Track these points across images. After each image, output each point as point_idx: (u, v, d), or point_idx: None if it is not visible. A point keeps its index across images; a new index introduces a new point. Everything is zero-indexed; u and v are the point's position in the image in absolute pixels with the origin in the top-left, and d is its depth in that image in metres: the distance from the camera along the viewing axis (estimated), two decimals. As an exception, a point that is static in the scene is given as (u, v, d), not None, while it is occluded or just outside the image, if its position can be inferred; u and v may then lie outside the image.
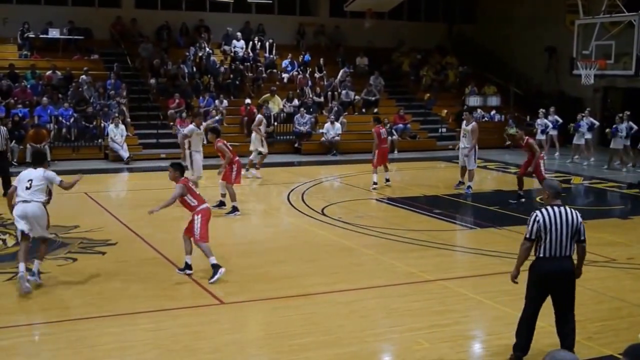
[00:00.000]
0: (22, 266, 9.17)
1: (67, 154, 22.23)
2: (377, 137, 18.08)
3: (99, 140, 23.06)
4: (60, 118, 22.85)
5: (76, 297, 9.16)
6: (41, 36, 27.12)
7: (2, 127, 16.57)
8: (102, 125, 23.16)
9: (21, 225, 9.28)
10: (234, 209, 14.35)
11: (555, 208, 7.18)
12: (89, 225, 12.98)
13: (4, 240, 11.91)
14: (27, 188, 9.37)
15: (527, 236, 7.22)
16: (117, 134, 22.15)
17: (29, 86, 24.37)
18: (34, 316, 8.62)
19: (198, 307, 8.88)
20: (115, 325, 8.16)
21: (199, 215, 10.11)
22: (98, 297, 9.17)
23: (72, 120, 22.82)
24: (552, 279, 7.24)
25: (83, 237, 12.11)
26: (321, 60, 29.65)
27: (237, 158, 14.60)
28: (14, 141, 21.02)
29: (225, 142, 14.58)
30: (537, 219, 7.11)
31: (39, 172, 9.58)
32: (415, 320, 8.46)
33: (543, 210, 7.19)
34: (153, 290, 9.49)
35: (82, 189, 17.07)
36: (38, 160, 9.95)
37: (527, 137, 15.81)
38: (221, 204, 14.72)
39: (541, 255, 7.18)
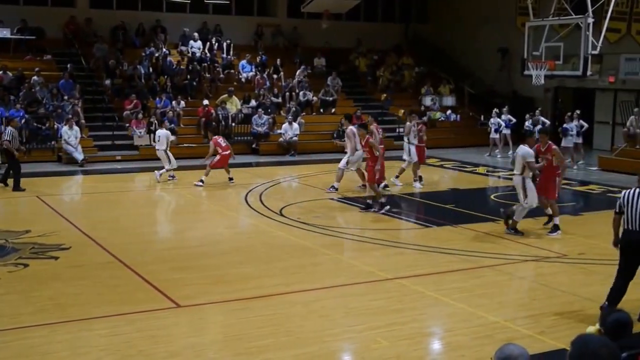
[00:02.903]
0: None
1: (19, 157, 21.74)
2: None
3: (52, 143, 22.64)
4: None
5: (28, 304, 8.94)
6: (-9, 35, 26.55)
7: (9, 127, 17.79)
8: (56, 127, 22.77)
9: None
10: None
11: (637, 189, 8.53)
12: (42, 230, 12.68)
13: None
14: None
15: (615, 210, 8.70)
16: (71, 135, 21.77)
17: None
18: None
19: (155, 311, 8.73)
20: (70, 332, 8.00)
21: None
22: (51, 303, 8.98)
23: (23, 122, 22.35)
24: (633, 248, 8.46)
25: (35, 242, 11.84)
26: (278, 61, 29.58)
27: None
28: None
29: None
30: (621, 195, 8.67)
31: None
32: (374, 318, 8.47)
33: (628, 190, 8.65)
34: (108, 295, 9.33)
35: (34, 192, 16.86)
36: None
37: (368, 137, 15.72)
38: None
39: (625, 227, 8.54)
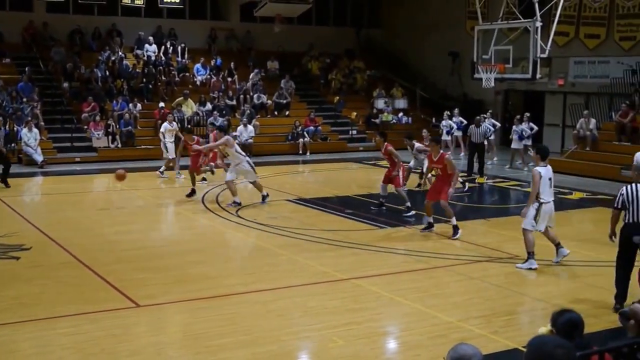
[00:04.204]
0: None
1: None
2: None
3: (12, 145, 22.54)
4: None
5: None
6: (-51, 39, 26.37)
7: None
8: (15, 129, 22.69)
9: None
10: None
11: (636, 184, 8.98)
12: (2, 231, 12.79)
13: None
14: None
15: (615, 205, 9.13)
16: (30, 137, 21.80)
17: (-64, 90, 23.64)
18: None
19: (116, 310, 8.92)
20: (33, 331, 8.14)
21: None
22: (14, 302, 9.12)
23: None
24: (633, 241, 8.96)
25: (-4, 243, 11.96)
26: (232, 64, 29.79)
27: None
28: None
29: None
30: (622, 192, 9.03)
31: None
32: (331, 318, 8.72)
33: (628, 186, 9.04)
34: (70, 295, 9.49)
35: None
36: None
37: (387, 144, 15.55)
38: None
39: (626, 221, 8.99)
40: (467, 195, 18.25)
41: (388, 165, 15.66)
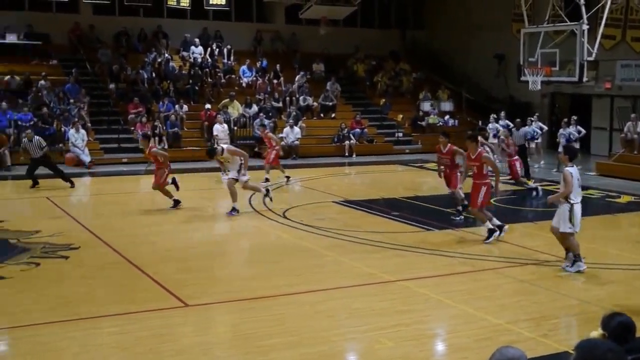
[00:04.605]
0: None
1: (27, 159, 22.01)
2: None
3: (60, 145, 22.86)
4: (20, 122, 22.61)
5: (40, 302, 9.13)
6: (-1, 41, 26.87)
7: (35, 136, 18.77)
8: (63, 129, 22.99)
9: None
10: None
11: None
12: (51, 230, 12.92)
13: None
14: None
15: None
16: (77, 138, 22.06)
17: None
18: (-4, 321, 8.60)
19: (162, 310, 8.90)
20: (80, 330, 8.15)
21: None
22: (61, 301, 9.17)
23: (31, 124, 22.60)
24: None
25: (45, 242, 12.07)
26: (278, 66, 29.82)
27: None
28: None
29: None
30: None
31: None
32: (378, 320, 8.61)
33: None
34: (116, 294, 9.52)
35: (43, 193, 17.10)
36: None
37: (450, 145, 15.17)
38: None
39: None
40: (514, 198, 17.98)
41: (441, 167, 15.40)
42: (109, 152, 23.63)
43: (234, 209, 14.94)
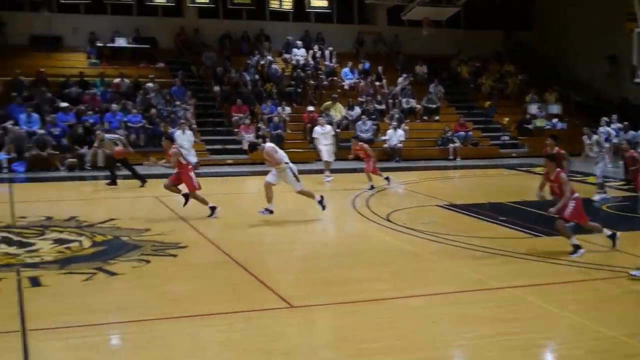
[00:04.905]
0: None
1: (138, 159, 22.68)
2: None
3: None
4: (130, 124, 23.31)
5: (151, 298, 9.37)
6: (109, 45, 27.89)
7: (106, 135, 19.65)
8: (169, 131, 23.53)
9: None
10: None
11: None
12: (160, 229, 13.26)
13: (80, 242, 12.24)
14: None
15: None
16: (184, 139, 22.51)
17: (98, 93, 24.99)
18: (111, 315, 8.82)
19: (269, 310, 8.95)
20: (190, 327, 8.29)
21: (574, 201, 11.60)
22: (172, 298, 9.36)
23: (140, 126, 23.29)
24: None
25: (154, 240, 12.38)
26: (380, 68, 29.72)
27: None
28: (86, 146, 21.66)
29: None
30: None
31: None
32: (486, 327, 8.40)
33: None
34: (223, 293, 9.65)
35: (153, 193, 17.58)
36: None
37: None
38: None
39: None
40: (627, 205, 17.34)
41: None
42: (214, 153, 24.08)
43: (266, 209, 14.43)
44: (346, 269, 10.97)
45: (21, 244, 12.06)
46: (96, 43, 27.95)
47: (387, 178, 19.29)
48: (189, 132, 22.87)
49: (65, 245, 11.96)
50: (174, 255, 11.50)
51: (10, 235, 12.68)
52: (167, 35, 29.29)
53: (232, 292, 9.72)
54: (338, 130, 25.90)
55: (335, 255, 11.93)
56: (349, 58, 30.51)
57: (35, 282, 9.95)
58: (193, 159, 22.38)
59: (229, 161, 23.42)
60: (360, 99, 28.06)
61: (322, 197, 15.12)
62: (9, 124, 22.44)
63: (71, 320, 8.39)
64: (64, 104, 23.54)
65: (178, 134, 22.65)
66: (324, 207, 14.95)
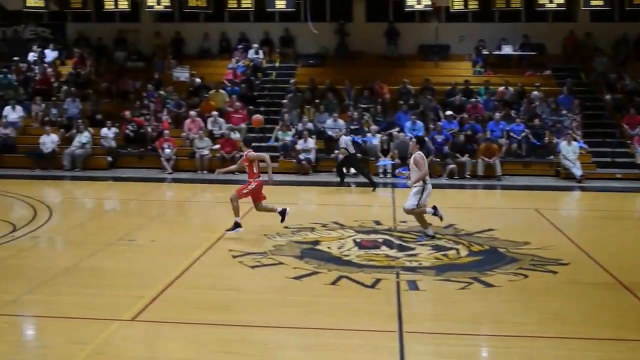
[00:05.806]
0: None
1: (517, 169, 22.38)
2: None
3: (550, 157, 22.70)
4: (512, 133, 23.00)
5: (527, 314, 8.92)
6: (494, 53, 27.92)
7: (344, 136, 20.73)
8: (554, 141, 22.73)
9: None
10: None
11: None
12: (540, 243, 12.67)
13: (457, 250, 12.23)
14: None
15: None
16: (569, 151, 21.57)
17: (481, 101, 25.10)
18: (482, 327, 8.60)
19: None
20: (566, 348, 7.75)
21: None
22: (549, 316, 8.83)
23: (523, 136, 22.85)
24: None
25: (534, 254, 11.86)
26: None
27: None
28: (466, 155, 21.84)
29: None
30: None
31: None
32: None
33: None
34: (606, 317, 8.86)
35: (532, 205, 17.05)
36: None
37: None
38: None
39: None
40: None
41: None
42: (602, 167, 22.58)
43: None
44: None
45: (401, 248, 12.39)
46: (482, 51, 28.10)
47: None
48: (574, 144, 21.78)
49: (442, 252, 12.04)
50: (554, 272, 10.88)
51: (392, 239, 13.10)
52: (556, 41, 28.34)
53: (615, 317, 8.87)
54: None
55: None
56: None
57: (413, 285, 10.15)
58: (577, 171, 21.34)
59: (618, 175, 21.78)
60: None
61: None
62: (394, 131, 23.47)
63: (443, 327, 8.42)
64: (449, 112, 23.95)
65: (563, 145, 21.72)
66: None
